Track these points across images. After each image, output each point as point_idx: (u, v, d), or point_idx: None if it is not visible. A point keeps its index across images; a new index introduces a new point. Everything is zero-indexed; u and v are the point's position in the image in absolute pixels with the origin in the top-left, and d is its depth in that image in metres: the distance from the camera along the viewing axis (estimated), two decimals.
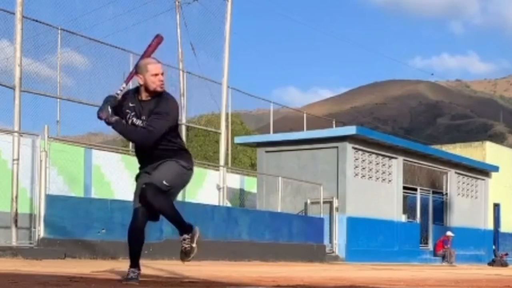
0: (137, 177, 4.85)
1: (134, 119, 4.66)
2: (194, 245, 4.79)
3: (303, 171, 18.10)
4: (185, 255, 4.84)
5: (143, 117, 4.65)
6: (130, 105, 4.68)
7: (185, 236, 4.80)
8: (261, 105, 24.97)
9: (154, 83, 4.61)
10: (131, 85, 4.96)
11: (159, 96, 4.69)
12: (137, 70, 4.68)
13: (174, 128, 4.78)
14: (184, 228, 4.80)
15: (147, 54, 4.82)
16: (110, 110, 4.58)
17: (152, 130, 4.57)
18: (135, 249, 4.78)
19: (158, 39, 4.87)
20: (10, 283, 4.42)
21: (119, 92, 4.72)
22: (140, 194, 4.64)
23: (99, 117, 4.62)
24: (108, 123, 4.61)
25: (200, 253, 5.16)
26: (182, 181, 4.85)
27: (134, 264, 4.77)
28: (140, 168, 4.84)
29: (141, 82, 4.63)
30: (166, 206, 4.70)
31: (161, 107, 4.65)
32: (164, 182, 4.62)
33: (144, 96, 4.68)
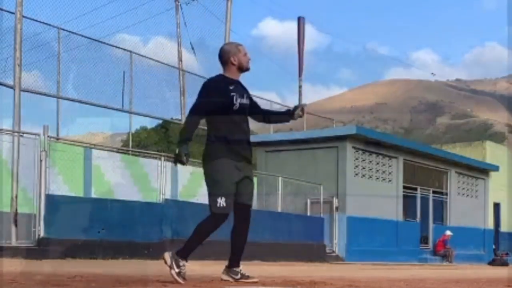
0: (233, 173, 4.84)
1: (240, 99, 4.91)
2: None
3: (303, 171, 18.09)
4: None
5: (245, 94, 4.98)
6: (231, 88, 4.90)
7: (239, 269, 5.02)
8: (261, 104, 24.88)
9: (246, 62, 4.99)
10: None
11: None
12: (228, 54, 4.95)
13: None
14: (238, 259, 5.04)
15: (301, 40, 5.17)
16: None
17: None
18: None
19: (302, 22, 5.22)
20: (10, 283, 4.42)
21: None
22: (246, 214, 4.95)
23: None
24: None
25: (200, 253, 5.16)
26: None
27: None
28: (235, 158, 4.87)
29: (235, 63, 4.94)
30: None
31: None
32: None
33: (236, 76, 5.00)
